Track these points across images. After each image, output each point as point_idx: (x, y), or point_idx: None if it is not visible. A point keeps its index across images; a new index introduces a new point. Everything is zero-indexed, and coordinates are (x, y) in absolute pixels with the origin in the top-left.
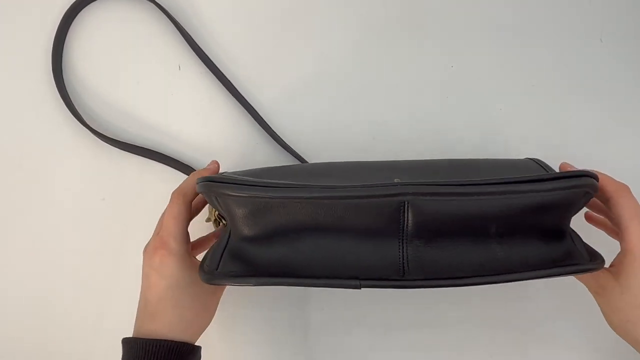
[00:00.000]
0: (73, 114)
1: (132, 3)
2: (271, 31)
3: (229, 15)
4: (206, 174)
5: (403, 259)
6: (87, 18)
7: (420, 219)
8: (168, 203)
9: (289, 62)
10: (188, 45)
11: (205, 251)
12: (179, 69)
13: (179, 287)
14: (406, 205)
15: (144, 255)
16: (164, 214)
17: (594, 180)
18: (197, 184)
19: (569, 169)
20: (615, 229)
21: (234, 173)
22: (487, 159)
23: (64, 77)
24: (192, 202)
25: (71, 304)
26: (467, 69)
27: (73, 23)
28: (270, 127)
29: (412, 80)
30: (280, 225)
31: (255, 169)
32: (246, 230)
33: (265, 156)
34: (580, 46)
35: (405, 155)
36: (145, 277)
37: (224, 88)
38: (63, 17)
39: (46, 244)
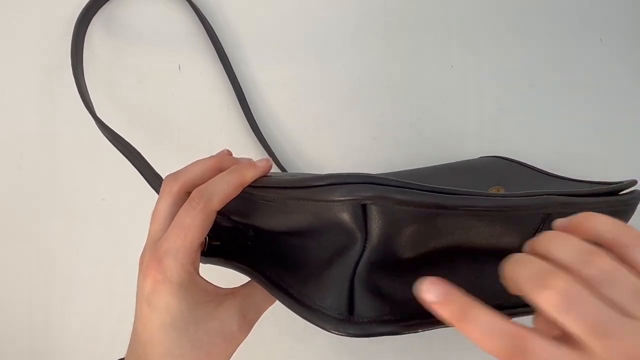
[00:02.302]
0: (89, 111)
1: (133, 3)
2: (271, 31)
3: (228, 13)
4: (253, 172)
5: None
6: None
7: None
8: (163, 195)
9: (289, 61)
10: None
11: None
12: (179, 69)
13: (175, 328)
14: (546, 219)
15: (139, 268)
16: (158, 207)
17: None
18: (350, 184)
19: None
20: None
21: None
22: (461, 162)
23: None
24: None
25: (70, 305)
26: (467, 69)
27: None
28: (260, 132)
29: (412, 80)
30: (429, 244)
31: None
32: (389, 253)
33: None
34: (580, 46)
35: (406, 156)
36: (136, 302)
37: (224, 87)
38: (77, 21)
39: (45, 244)
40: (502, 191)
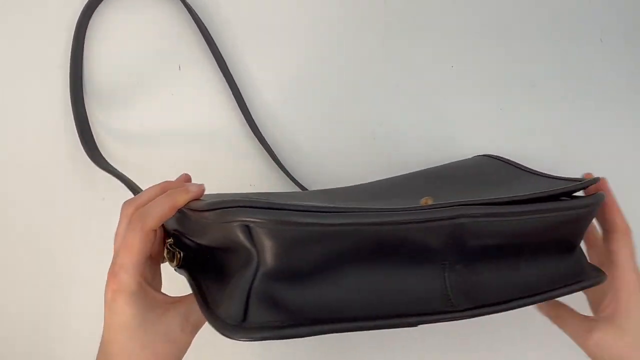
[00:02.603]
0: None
1: (135, 3)
2: (270, 31)
3: (227, 14)
4: (185, 196)
5: (447, 288)
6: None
7: (470, 243)
8: (121, 218)
9: (289, 61)
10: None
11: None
12: (179, 69)
13: (127, 329)
14: (461, 228)
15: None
16: (118, 230)
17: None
18: (231, 208)
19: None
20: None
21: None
22: (449, 165)
23: (82, 82)
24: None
25: (71, 305)
26: (467, 69)
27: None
28: (260, 132)
29: (412, 80)
30: (325, 258)
31: (260, 193)
32: (282, 267)
33: (264, 159)
34: (580, 46)
35: (406, 156)
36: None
37: (223, 88)
38: (79, 18)
39: (46, 244)
40: (430, 202)
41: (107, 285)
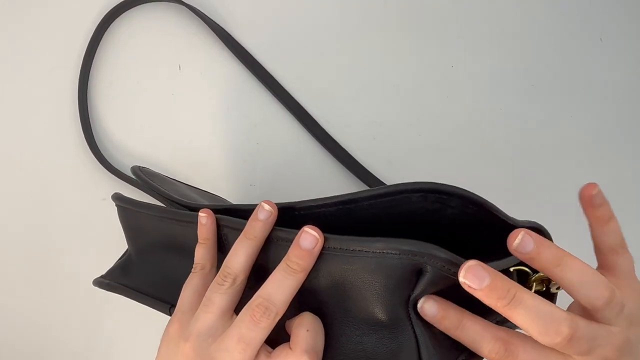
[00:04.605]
0: (85, 131)
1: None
2: (271, 32)
3: (227, 12)
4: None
5: None
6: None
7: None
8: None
9: (288, 62)
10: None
11: None
12: (179, 69)
13: None
14: (224, 238)
15: None
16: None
17: (438, 255)
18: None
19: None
20: None
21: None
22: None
23: (88, 92)
24: None
25: (71, 305)
26: (467, 69)
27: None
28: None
29: (412, 80)
30: (151, 242)
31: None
32: (134, 246)
33: (263, 159)
34: (580, 46)
35: (406, 156)
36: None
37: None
38: (98, 25)
39: (46, 243)
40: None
41: None
